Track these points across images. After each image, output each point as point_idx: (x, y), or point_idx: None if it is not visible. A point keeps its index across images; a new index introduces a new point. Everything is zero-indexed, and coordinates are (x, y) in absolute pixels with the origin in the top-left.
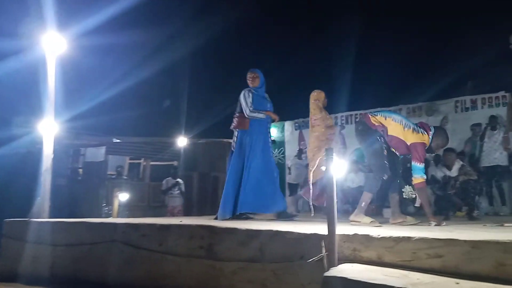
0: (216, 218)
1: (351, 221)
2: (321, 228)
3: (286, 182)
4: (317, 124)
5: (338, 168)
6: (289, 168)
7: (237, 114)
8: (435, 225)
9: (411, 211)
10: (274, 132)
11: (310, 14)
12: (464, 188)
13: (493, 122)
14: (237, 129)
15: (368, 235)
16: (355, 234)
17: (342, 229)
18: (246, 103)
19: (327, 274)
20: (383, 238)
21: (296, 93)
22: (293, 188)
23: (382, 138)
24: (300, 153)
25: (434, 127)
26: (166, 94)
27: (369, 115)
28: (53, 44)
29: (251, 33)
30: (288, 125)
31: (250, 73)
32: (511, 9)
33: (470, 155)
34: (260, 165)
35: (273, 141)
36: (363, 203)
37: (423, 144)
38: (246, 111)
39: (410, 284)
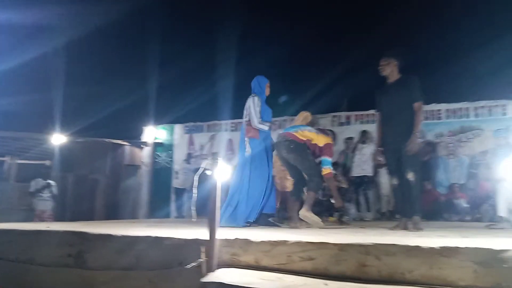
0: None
1: (302, 215)
2: (203, 233)
3: (172, 187)
4: None
5: (224, 173)
6: (177, 173)
7: (247, 121)
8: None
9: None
10: (163, 135)
11: (194, 19)
12: None
13: (364, 136)
14: (248, 138)
15: (248, 239)
16: (236, 239)
17: (223, 233)
18: (255, 112)
19: (204, 280)
20: (261, 242)
21: (186, 96)
22: (180, 193)
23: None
24: (189, 157)
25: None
26: (40, 83)
27: (293, 133)
28: None
29: (140, 25)
30: (178, 128)
31: (269, 83)
32: (385, 31)
33: (342, 165)
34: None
35: (161, 144)
36: (310, 200)
37: (332, 144)
38: (254, 121)
39: (284, 287)
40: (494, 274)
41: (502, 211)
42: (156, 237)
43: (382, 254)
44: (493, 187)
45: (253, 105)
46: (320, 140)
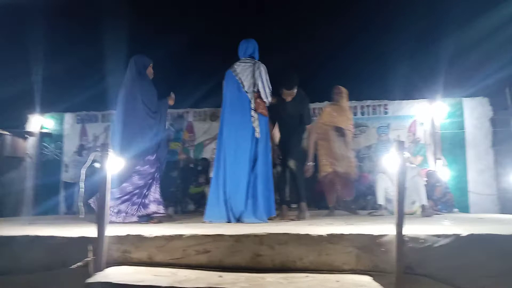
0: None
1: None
2: (91, 231)
3: (61, 181)
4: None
5: (114, 165)
6: (67, 166)
7: (257, 93)
8: None
9: None
10: (51, 124)
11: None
12: None
13: None
14: (258, 113)
15: (140, 235)
16: (128, 235)
17: (114, 230)
18: (268, 84)
19: (90, 280)
20: (155, 237)
21: (78, 83)
22: (70, 187)
23: None
24: (81, 149)
25: None
26: None
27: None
28: None
29: (28, 11)
30: (68, 117)
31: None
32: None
33: None
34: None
35: (49, 134)
36: None
37: None
38: (268, 94)
39: (176, 282)
40: (373, 258)
41: (380, 200)
42: (36, 236)
43: (275, 244)
44: (374, 178)
45: (265, 75)
46: None
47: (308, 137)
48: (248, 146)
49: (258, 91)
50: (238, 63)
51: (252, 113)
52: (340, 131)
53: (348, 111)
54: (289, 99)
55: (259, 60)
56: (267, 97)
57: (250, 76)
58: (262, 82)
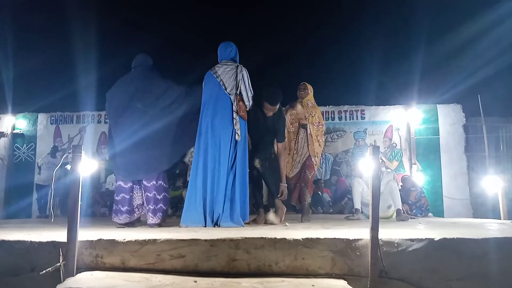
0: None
1: None
2: (62, 235)
3: (34, 183)
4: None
5: (87, 168)
6: (39, 167)
7: (239, 96)
8: None
9: None
10: (24, 125)
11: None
12: None
13: None
14: (239, 117)
15: (113, 239)
16: (100, 240)
17: (86, 234)
18: (251, 91)
19: (60, 286)
20: (128, 242)
21: (53, 82)
22: (42, 189)
23: None
24: (55, 150)
25: None
26: None
27: None
28: None
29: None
30: (42, 117)
31: None
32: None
33: None
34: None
35: (21, 134)
36: None
37: None
38: (250, 99)
39: (150, 287)
40: (348, 262)
41: (357, 204)
42: (3, 241)
43: (251, 248)
44: (351, 182)
45: (248, 79)
46: None
47: (279, 156)
48: (228, 148)
49: (241, 94)
50: (219, 65)
51: (234, 115)
52: (302, 127)
53: (311, 108)
54: (270, 114)
55: (240, 64)
56: (249, 101)
57: (232, 79)
58: (245, 86)
